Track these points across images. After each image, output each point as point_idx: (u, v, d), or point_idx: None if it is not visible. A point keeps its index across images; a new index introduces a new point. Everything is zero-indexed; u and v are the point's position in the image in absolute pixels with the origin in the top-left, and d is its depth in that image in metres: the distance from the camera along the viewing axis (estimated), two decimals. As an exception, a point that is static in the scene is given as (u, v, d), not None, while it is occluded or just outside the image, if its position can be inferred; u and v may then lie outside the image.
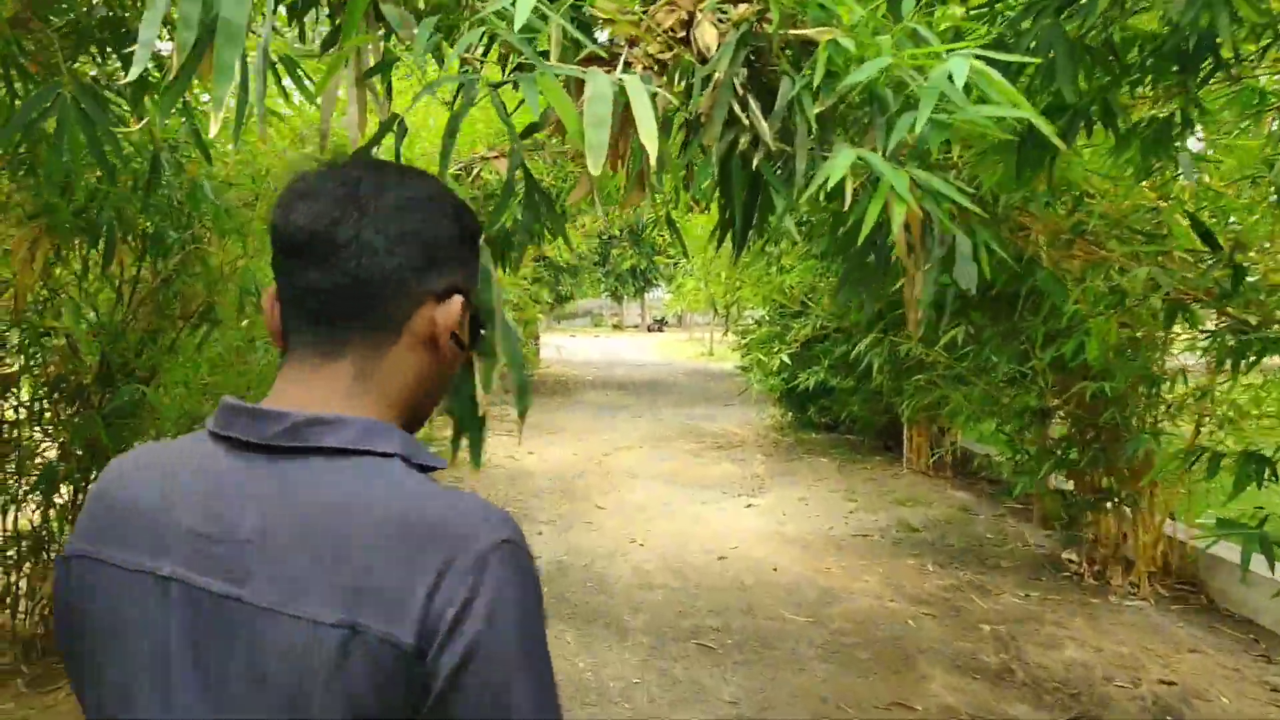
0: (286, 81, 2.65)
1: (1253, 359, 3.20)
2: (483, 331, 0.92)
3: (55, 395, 3.79)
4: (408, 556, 0.71)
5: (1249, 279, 3.25)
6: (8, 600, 3.92)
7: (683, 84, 1.33)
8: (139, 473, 0.85)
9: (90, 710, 0.83)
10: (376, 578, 0.71)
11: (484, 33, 1.13)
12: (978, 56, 1.13)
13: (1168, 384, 5.14)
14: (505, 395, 1.07)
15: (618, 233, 19.24)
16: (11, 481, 3.76)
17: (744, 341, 11.00)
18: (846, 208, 1.16)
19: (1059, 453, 5.78)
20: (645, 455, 10.05)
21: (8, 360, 3.69)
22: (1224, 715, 3.80)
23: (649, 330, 40.39)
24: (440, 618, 0.70)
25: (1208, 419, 5.14)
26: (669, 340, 33.50)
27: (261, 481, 0.77)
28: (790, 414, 12.03)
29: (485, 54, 1.42)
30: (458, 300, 0.87)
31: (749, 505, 7.64)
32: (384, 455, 0.79)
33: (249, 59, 1.15)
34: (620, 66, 1.26)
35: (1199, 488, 5.49)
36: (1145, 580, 5.33)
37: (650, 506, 7.54)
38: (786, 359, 8.61)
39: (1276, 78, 3.13)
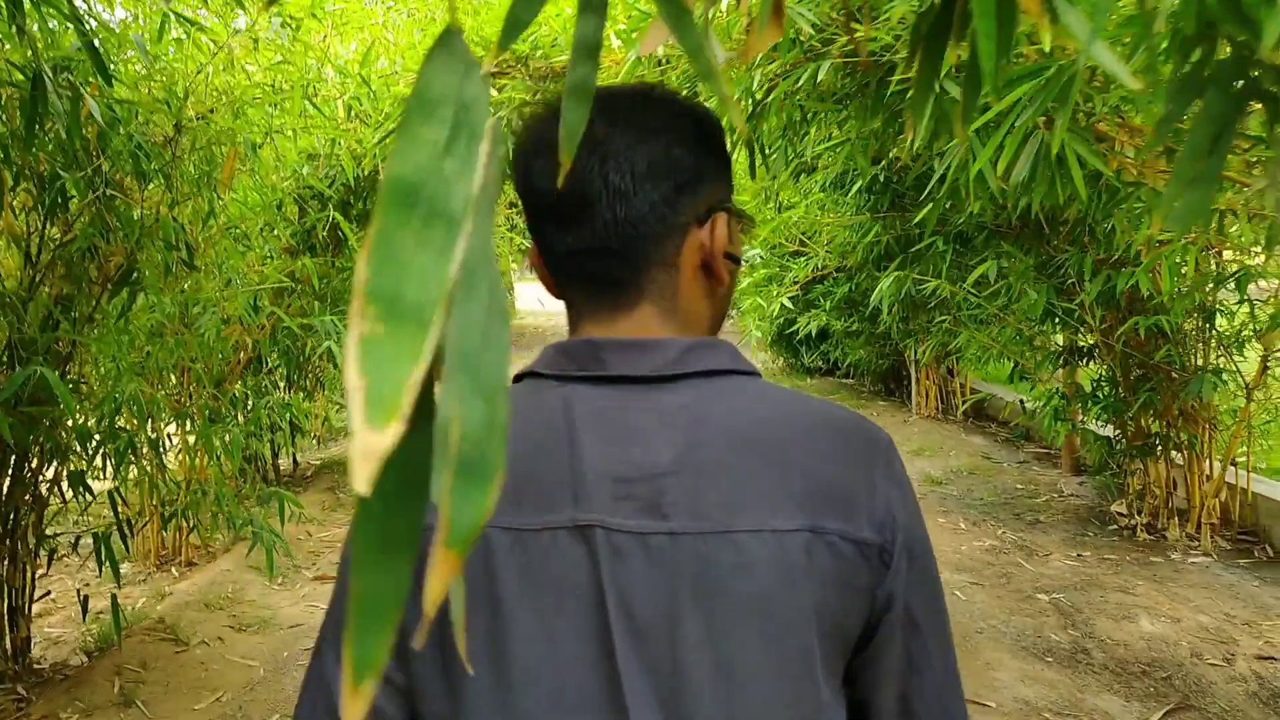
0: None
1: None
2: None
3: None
4: (840, 460, 0.73)
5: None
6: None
7: None
8: None
9: (470, 696, 0.71)
10: (822, 482, 0.72)
11: None
12: None
13: (1228, 316, 4.62)
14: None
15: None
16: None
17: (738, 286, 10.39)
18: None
19: (1100, 394, 5.24)
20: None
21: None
22: (1339, 696, 3.31)
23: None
24: (888, 513, 0.73)
25: (1278, 355, 4.62)
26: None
27: (664, 412, 0.74)
28: (782, 359, 11.49)
29: None
30: (721, 218, 0.81)
31: (754, 461, 7.10)
32: (750, 374, 0.79)
33: None
34: None
35: (1263, 429, 5.00)
36: (1206, 533, 4.83)
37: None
38: (787, 302, 7.99)
39: None
